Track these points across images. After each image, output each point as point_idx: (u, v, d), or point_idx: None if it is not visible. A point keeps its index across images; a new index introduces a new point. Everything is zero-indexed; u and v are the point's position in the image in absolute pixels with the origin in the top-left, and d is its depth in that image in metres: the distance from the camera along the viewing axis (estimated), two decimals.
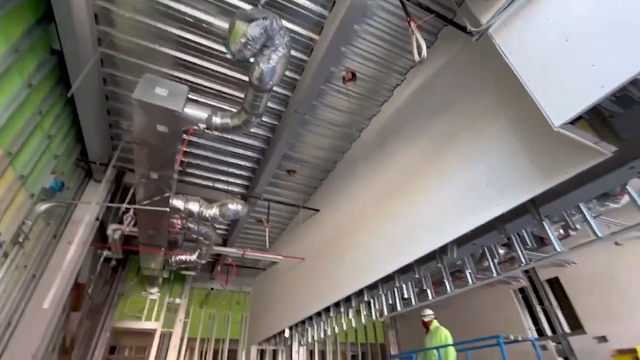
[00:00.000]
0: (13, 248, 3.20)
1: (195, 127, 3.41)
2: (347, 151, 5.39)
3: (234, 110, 3.59)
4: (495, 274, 3.30)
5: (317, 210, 5.98)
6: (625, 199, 3.13)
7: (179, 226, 4.99)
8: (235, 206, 4.66)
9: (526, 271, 6.72)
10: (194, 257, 5.85)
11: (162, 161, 3.56)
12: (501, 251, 3.49)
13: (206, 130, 3.48)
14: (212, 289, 8.02)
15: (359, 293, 4.71)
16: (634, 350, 4.89)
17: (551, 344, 6.11)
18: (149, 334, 7.54)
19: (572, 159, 2.18)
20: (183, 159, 4.94)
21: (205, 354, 7.94)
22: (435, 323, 5.25)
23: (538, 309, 6.56)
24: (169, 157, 3.54)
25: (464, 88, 3.33)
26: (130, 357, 10.65)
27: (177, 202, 4.48)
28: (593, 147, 2.06)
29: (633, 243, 5.28)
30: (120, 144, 4.43)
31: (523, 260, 3.06)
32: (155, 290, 7.54)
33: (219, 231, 6.80)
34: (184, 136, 3.67)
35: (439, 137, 3.52)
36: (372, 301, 4.81)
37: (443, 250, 3.34)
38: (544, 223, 2.68)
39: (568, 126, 1.97)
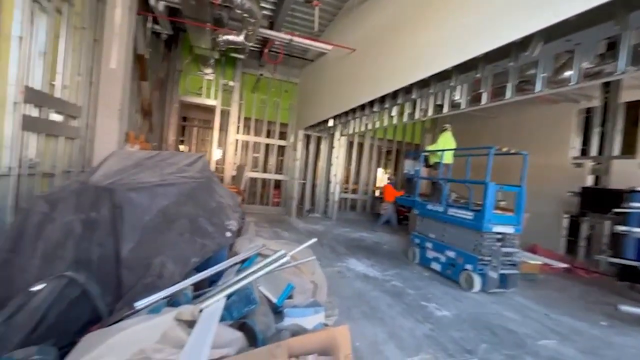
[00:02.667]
0: (62, 3, 3.15)
1: None
2: None
3: None
4: (574, 82, 2.83)
5: None
6: None
7: None
8: None
9: (606, 89, 5.90)
10: (241, 37, 5.63)
11: None
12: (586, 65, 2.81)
13: None
14: (261, 74, 8.23)
15: (407, 90, 4.54)
16: None
17: (589, 164, 6.16)
18: (211, 109, 8.60)
19: None
20: None
21: (260, 131, 9.21)
22: (448, 132, 6.00)
23: (596, 130, 6.19)
24: None
25: None
26: (199, 125, 12.83)
27: None
28: None
29: None
30: None
31: (622, 68, 2.49)
32: (209, 71, 7.91)
33: (264, 12, 6.17)
34: None
35: None
36: (418, 100, 4.71)
37: (523, 44, 2.78)
38: None
39: None
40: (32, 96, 2.74)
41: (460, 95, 4.05)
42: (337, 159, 8.80)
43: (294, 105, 9.26)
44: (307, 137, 9.31)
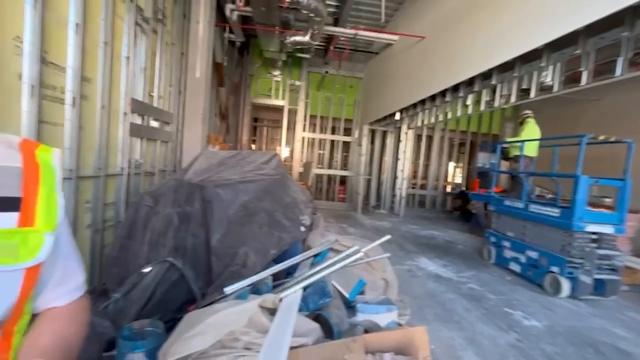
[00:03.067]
0: (157, 24, 3.62)
1: None
2: None
3: None
4: None
5: None
6: None
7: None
8: None
9: None
10: (307, 37, 5.78)
11: None
12: None
13: None
14: (326, 72, 8.35)
15: (486, 75, 4.14)
16: None
17: None
18: (280, 109, 9.03)
19: None
20: None
21: (325, 128, 9.37)
22: (531, 120, 5.40)
23: None
24: None
25: None
26: (268, 125, 13.60)
27: None
28: None
29: None
30: None
31: None
32: (277, 72, 8.31)
33: (329, 9, 6.22)
34: None
35: None
36: (499, 86, 4.25)
37: None
38: None
39: None
40: (136, 107, 3.21)
41: (551, 77, 3.53)
42: (404, 153, 8.49)
43: (359, 101, 9.19)
44: (372, 132, 9.17)
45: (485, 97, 4.61)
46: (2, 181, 0.54)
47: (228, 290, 1.48)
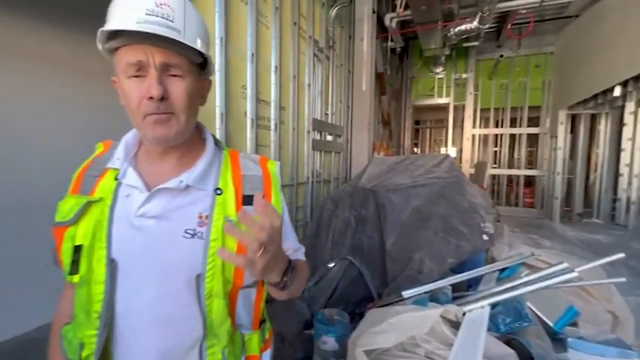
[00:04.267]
0: (329, 51, 4.15)
1: None
2: None
3: None
4: None
5: None
6: None
7: None
8: None
9: None
10: (474, 23, 5.18)
11: None
12: None
13: None
14: (501, 56, 7.18)
15: None
16: None
17: None
18: (443, 108, 8.46)
19: None
20: None
21: (502, 121, 8.03)
22: None
23: None
24: None
25: None
26: (430, 126, 12.98)
27: None
28: None
29: None
30: None
31: None
32: (439, 69, 7.84)
33: None
34: None
35: None
36: None
37: None
38: None
39: None
40: (316, 125, 3.78)
41: None
42: (631, 142, 6.13)
43: (549, 82, 7.37)
44: (573, 118, 7.11)
45: None
46: (255, 185, 0.76)
47: (406, 294, 1.49)
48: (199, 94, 0.72)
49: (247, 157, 0.83)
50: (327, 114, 4.22)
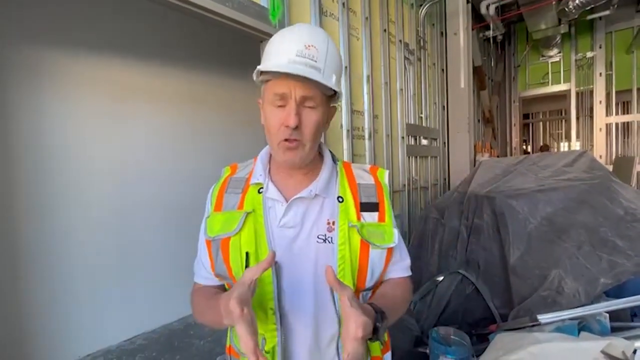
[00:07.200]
0: (420, 52, 3.97)
1: None
2: None
3: None
4: None
5: None
6: None
7: None
8: None
9: None
10: None
11: None
12: None
13: None
14: None
15: None
16: None
17: None
18: (561, 96, 7.15)
19: None
20: None
21: None
22: None
23: None
24: None
25: None
26: (544, 119, 11.10)
27: None
28: None
29: None
30: None
31: None
32: (555, 52, 6.68)
33: None
34: None
35: None
36: None
37: None
38: None
39: None
40: (410, 130, 3.62)
41: None
42: None
43: None
44: None
45: None
46: (370, 192, 0.81)
47: (543, 319, 1.25)
48: (326, 121, 0.80)
49: (359, 167, 0.89)
50: (420, 117, 4.01)
